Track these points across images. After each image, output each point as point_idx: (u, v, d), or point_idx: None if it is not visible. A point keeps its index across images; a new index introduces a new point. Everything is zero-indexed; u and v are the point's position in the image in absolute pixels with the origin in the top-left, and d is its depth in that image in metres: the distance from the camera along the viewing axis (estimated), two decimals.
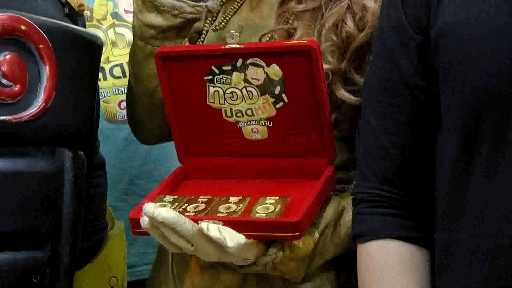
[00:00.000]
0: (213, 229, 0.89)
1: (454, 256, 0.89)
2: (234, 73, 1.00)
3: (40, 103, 1.05)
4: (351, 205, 1.01)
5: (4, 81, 1.02)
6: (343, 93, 1.04)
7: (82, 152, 1.15)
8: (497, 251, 0.83)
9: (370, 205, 0.97)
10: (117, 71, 1.66)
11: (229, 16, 1.19)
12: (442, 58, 0.89)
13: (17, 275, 1.06)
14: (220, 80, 1.02)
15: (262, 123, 1.03)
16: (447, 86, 0.88)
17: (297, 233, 0.93)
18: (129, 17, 1.62)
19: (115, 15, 1.68)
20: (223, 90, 1.02)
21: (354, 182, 1.02)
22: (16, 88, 1.03)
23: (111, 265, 1.34)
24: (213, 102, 1.03)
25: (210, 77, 1.02)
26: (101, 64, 1.48)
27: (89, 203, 1.22)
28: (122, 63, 1.65)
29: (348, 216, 1.02)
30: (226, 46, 0.99)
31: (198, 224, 0.90)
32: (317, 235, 1.01)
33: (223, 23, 1.18)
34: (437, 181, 0.92)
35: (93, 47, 1.19)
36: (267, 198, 0.98)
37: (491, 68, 0.83)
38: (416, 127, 0.94)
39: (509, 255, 0.82)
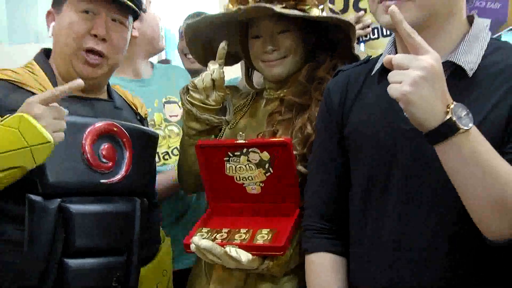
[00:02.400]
0: (233, 251, 1.23)
1: (360, 263, 1.12)
2: (241, 156, 1.35)
3: (123, 173, 1.40)
4: None
5: (104, 160, 1.38)
6: (301, 168, 1.34)
7: (146, 199, 1.47)
8: (382, 265, 1.06)
9: (313, 232, 1.22)
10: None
11: (237, 120, 1.52)
12: (349, 147, 1.15)
13: (108, 271, 1.35)
14: (233, 160, 1.37)
15: (257, 184, 1.38)
16: (353, 164, 1.15)
17: (282, 252, 1.26)
18: (173, 119, 1.98)
19: (166, 120, 2.01)
20: (235, 166, 1.37)
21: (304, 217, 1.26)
22: (110, 164, 1.39)
23: (162, 263, 1.62)
24: (229, 172, 1.39)
25: (227, 158, 1.37)
26: (166, 149, 1.89)
27: (149, 227, 1.52)
28: (176, 147, 1.97)
29: None
30: (237, 141, 1.35)
31: (224, 248, 1.23)
32: (291, 250, 1.32)
33: (234, 125, 1.52)
34: (350, 218, 1.17)
35: (152, 139, 1.52)
36: (263, 230, 1.31)
37: (374, 156, 1.07)
38: (340, 184, 1.18)
39: (392, 266, 1.04)
